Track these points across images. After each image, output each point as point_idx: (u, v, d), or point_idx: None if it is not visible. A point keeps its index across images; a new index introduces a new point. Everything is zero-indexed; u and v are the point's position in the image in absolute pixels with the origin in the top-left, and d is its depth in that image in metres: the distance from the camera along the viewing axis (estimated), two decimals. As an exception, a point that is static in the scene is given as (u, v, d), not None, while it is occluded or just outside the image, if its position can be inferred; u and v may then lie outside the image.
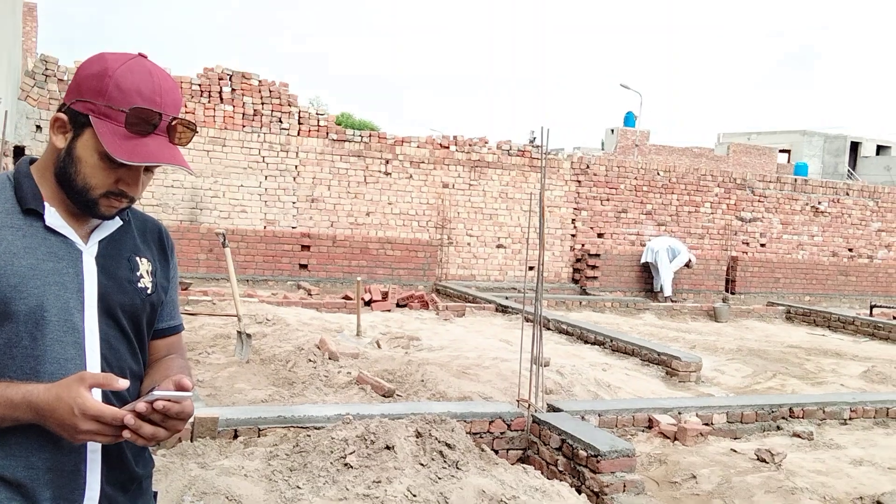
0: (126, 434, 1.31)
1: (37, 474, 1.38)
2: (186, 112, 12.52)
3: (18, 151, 10.33)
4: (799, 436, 5.31)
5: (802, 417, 5.63)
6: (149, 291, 1.56)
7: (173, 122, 1.45)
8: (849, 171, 42.21)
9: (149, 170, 1.49)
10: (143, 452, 1.58)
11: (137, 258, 1.56)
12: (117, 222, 1.54)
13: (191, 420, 4.11)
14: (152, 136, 1.43)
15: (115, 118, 1.41)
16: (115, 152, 1.39)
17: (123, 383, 1.31)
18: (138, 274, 1.55)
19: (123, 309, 1.50)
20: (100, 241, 1.50)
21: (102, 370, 1.44)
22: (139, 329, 1.56)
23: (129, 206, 1.51)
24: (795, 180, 17.40)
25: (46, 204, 1.45)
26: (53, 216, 1.45)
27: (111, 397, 1.39)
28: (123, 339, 1.51)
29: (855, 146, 44.55)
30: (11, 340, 1.37)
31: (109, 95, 1.41)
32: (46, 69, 11.59)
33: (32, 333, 1.38)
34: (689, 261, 14.74)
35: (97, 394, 1.36)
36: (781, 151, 41.31)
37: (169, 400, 1.32)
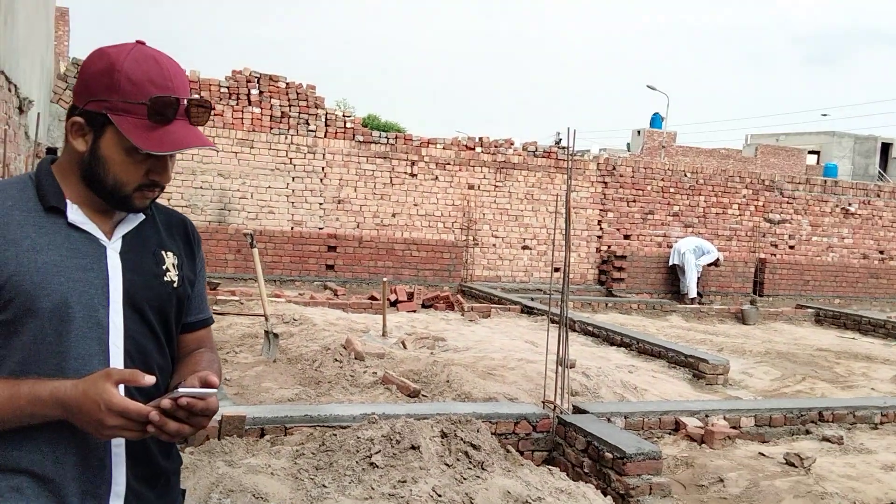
0: (150, 429, 1.31)
1: (64, 469, 1.39)
2: (216, 114, 12.64)
3: (51, 153, 10.49)
4: (828, 440, 5.24)
5: (832, 421, 5.56)
6: (175, 285, 1.56)
7: (190, 104, 1.45)
8: (879, 172, 41.55)
9: (172, 156, 1.49)
10: (170, 448, 1.58)
11: (163, 252, 1.56)
12: (140, 216, 1.54)
13: (218, 418, 4.16)
14: (174, 121, 1.43)
15: (135, 111, 1.41)
16: (145, 145, 1.40)
17: (149, 379, 1.32)
18: (164, 268, 1.55)
19: (150, 304, 1.50)
20: (124, 236, 1.50)
21: (126, 366, 1.44)
22: (166, 323, 1.56)
23: (159, 194, 1.51)
24: (825, 182, 17.17)
25: (68, 201, 1.45)
26: (76, 213, 1.45)
27: (135, 393, 1.39)
28: (150, 334, 1.51)
29: (886, 147, 43.84)
30: (37, 337, 1.38)
31: (123, 90, 1.40)
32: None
33: (57, 330, 1.39)
34: (717, 259, 14.60)
35: (121, 389, 1.36)
36: (810, 153, 40.79)
37: (194, 397, 1.33)
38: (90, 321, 1.42)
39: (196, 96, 1.47)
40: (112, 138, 1.42)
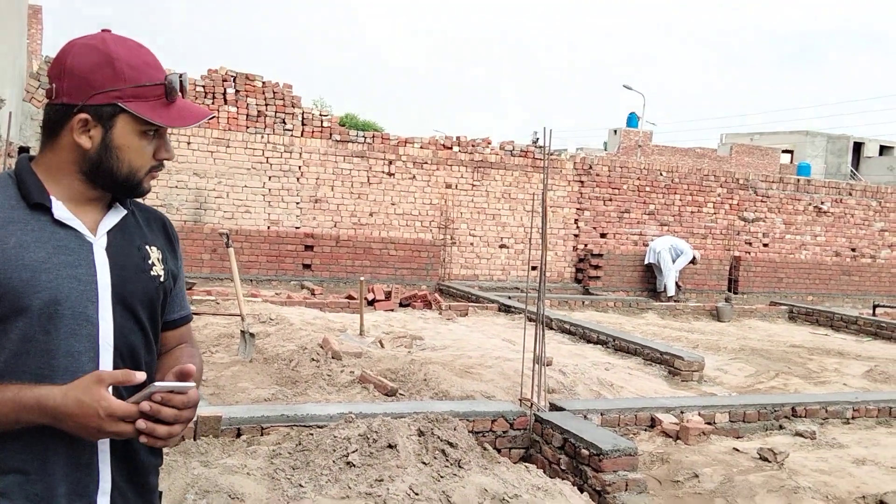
0: (143, 439, 1.33)
1: (53, 468, 1.38)
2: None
3: (23, 152, 10.36)
4: (801, 435, 5.31)
5: (805, 417, 5.63)
6: (161, 279, 1.57)
7: (185, 81, 1.52)
8: (852, 171, 42.13)
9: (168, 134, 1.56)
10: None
11: (147, 246, 1.56)
12: (122, 211, 1.55)
13: (194, 419, 4.13)
14: (178, 99, 1.50)
15: (147, 94, 1.46)
16: (173, 122, 1.47)
17: (140, 376, 1.32)
18: (150, 262, 1.55)
19: (138, 299, 1.50)
20: (108, 232, 1.50)
21: (115, 362, 1.44)
22: (154, 318, 1.56)
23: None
24: (798, 180, 17.37)
25: (53, 198, 1.44)
26: (61, 209, 1.44)
27: (122, 390, 1.38)
28: (138, 330, 1.51)
29: (858, 146, 44.49)
30: (26, 335, 1.37)
31: (128, 77, 1.45)
32: (50, 70, 11.60)
33: (46, 328, 1.37)
34: (694, 258, 14.73)
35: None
36: (784, 152, 41.28)
37: (172, 391, 1.33)
38: (80, 318, 1.40)
39: (178, 72, 1.54)
40: (125, 126, 1.45)
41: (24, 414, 1.32)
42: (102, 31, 1.50)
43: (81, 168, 1.47)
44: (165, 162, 1.54)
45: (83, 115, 1.43)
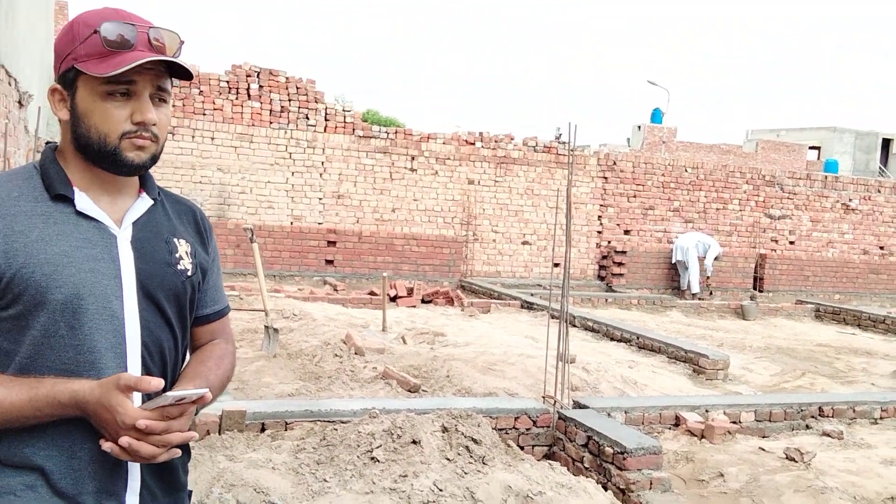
0: (124, 456, 1.31)
1: (80, 464, 1.35)
2: (215, 109, 12.63)
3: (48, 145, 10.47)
4: (828, 435, 5.25)
5: (832, 416, 5.56)
6: (189, 273, 1.51)
7: (152, 35, 1.39)
8: (880, 168, 41.56)
9: (163, 102, 1.43)
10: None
11: (175, 239, 1.51)
12: (148, 201, 1.50)
13: (219, 413, 4.16)
14: (135, 50, 1.37)
15: (94, 49, 1.36)
16: (100, 69, 1.34)
17: (157, 383, 1.28)
18: (177, 255, 1.50)
19: (164, 293, 1.45)
20: (134, 223, 1.45)
21: (142, 357, 1.41)
22: (182, 313, 1.51)
23: (154, 144, 1.43)
24: (826, 177, 17.17)
25: (76, 188, 1.40)
26: (84, 200, 1.40)
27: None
28: (164, 324, 1.47)
29: (887, 143, 43.82)
30: (49, 330, 1.33)
31: (82, 35, 1.37)
32: (77, 66, 11.71)
33: (70, 323, 1.34)
34: (719, 253, 14.61)
35: (136, 397, 1.33)
36: (811, 148, 40.78)
37: (183, 400, 1.31)
38: (105, 313, 1.37)
39: (161, 26, 1.41)
40: (85, 88, 1.38)
41: (58, 409, 1.31)
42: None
43: (74, 145, 1.42)
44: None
45: (55, 86, 1.42)
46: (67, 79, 1.39)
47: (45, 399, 1.30)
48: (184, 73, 1.42)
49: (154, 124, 1.40)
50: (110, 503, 1.37)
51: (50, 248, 1.34)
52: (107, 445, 1.30)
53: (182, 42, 1.44)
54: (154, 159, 1.44)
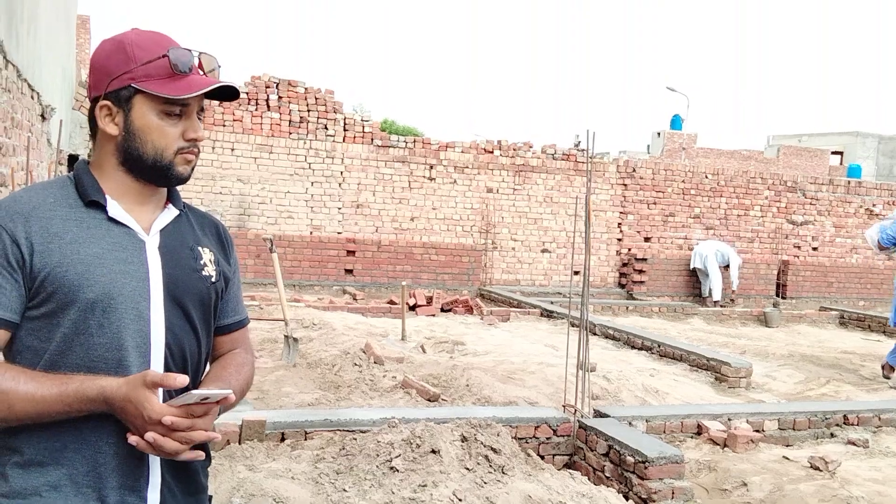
0: (148, 450, 1.36)
1: (104, 459, 1.40)
2: (234, 120, 12.72)
3: (72, 160, 10.60)
4: (854, 443, 5.17)
5: (857, 424, 5.49)
6: (213, 279, 1.59)
7: (201, 57, 1.52)
8: (904, 172, 41.04)
9: (200, 118, 1.54)
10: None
11: (200, 248, 1.59)
12: (174, 212, 1.58)
13: (238, 422, 4.17)
14: (192, 73, 1.49)
15: (156, 71, 1.46)
16: (175, 91, 1.45)
17: (182, 380, 1.34)
18: (202, 262, 1.58)
19: (190, 297, 1.52)
20: (161, 231, 1.53)
21: (166, 359, 1.47)
22: (206, 319, 1.58)
23: (197, 157, 1.55)
24: (849, 182, 16.99)
25: (108, 196, 1.48)
26: (116, 207, 1.48)
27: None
28: (189, 328, 1.53)
29: (911, 147, 43.28)
30: (79, 328, 1.40)
31: (138, 57, 1.46)
32: (100, 79, 11.85)
33: (100, 321, 1.41)
34: (739, 264, 14.50)
35: (159, 393, 1.39)
36: (834, 153, 40.39)
37: (206, 399, 1.36)
38: (132, 313, 1.43)
39: (204, 51, 1.53)
40: (143, 106, 1.47)
41: (86, 405, 1.36)
42: (132, 29, 1.54)
43: (118, 159, 1.50)
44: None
45: (104, 103, 1.48)
46: (121, 96, 1.47)
47: (74, 394, 1.35)
48: (232, 95, 1.56)
49: (202, 140, 1.55)
50: (132, 498, 1.42)
51: (83, 249, 1.41)
52: (133, 439, 1.35)
53: (220, 66, 1.57)
54: (193, 170, 1.56)
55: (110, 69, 1.47)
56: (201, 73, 1.51)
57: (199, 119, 1.54)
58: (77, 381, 1.36)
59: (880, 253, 9.24)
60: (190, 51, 1.49)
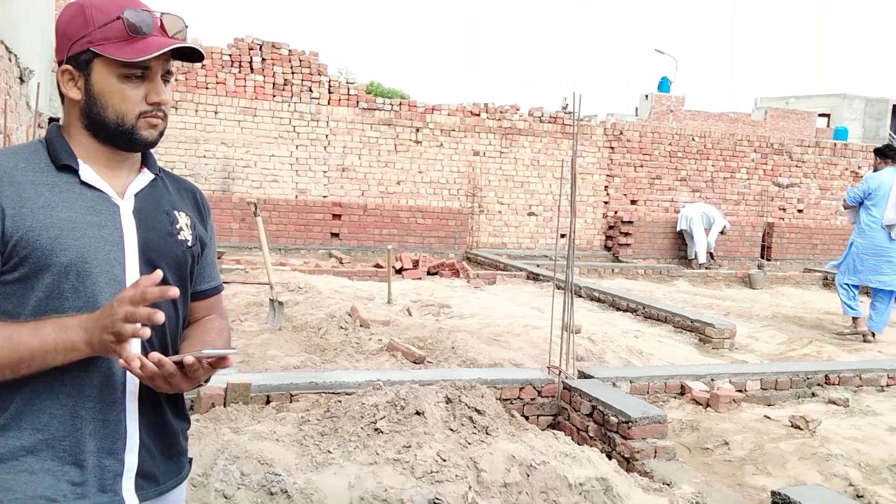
0: (164, 388, 1.38)
1: (82, 423, 1.40)
2: (218, 83, 12.57)
3: (52, 123, 10.46)
4: (834, 402, 5.24)
5: (838, 384, 5.55)
6: (189, 244, 1.58)
7: (165, 21, 1.47)
8: (891, 135, 41.16)
9: (167, 80, 1.51)
10: (179, 405, 1.59)
11: (175, 212, 1.58)
12: (149, 176, 1.56)
13: (223, 385, 4.17)
14: (151, 36, 1.45)
15: (113, 33, 1.43)
16: (127, 54, 1.42)
17: (157, 275, 1.31)
18: (178, 226, 1.56)
19: (166, 261, 1.51)
20: (136, 195, 1.52)
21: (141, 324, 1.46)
22: (183, 283, 1.56)
23: (163, 122, 1.51)
24: (835, 145, 17.02)
25: (80, 161, 1.47)
26: (88, 172, 1.47)
27: (147, 346, 1.41)
28: None
29: (897, 109, 43.36)
30: (53, 292, 1.39)
31: (97, 20, 1.43)
32: (79, 41, 11.65)
33: (74, 286, 1.40)
34: (724, 227, 14.55)
35: (136, 345, 1.38)
36: (821, 116, 40.41)
37: (211, 358, 1.39)
38: (107, 276, 1.42)
39: (167, 11, 1.50)
40: (102, 70, 1.44)
41: (62, 334, 1.33)
42: None
43: (83, 123, 1.49)
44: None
45: (66, 67, 1.47)
46: (81, 61, 1.45)
47: (50, 327, 1.33)
48: (196, 56, 1.51)
49: (167, 104, 1.50)
50: (110, 461, 1.42)
51: (56, 213, 1.40)
52: (122, 357, 1.31)
53: (186, 26, 1.52)
54: (161, 135, 1.53)
55: (70, 33, 1.45)
56: (164, 34, 1.47)
57: (166, 82, 1.50)
58: (52, 319, 1.35)
59: (845, 213, 9.40)
60: (150, 11, 1.45)
